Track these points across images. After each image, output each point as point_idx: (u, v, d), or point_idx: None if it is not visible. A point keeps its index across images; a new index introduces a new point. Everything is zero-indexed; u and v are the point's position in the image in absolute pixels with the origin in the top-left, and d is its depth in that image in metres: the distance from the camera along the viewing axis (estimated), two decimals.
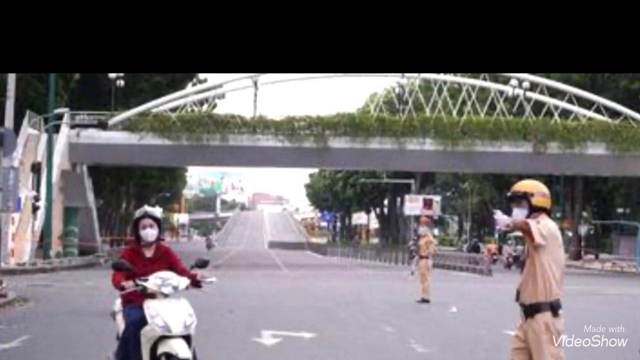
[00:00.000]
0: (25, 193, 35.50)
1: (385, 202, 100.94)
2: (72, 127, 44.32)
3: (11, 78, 27.06)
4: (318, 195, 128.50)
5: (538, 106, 48.72)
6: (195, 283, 7.76)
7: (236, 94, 51.77)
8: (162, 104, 47.69)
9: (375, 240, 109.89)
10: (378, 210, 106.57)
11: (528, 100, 48.72)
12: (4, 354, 11.48)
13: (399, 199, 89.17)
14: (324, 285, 28.41)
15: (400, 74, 49.00)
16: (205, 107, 49.33)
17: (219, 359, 10.98)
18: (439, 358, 11.88)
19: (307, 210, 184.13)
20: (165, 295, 7.40)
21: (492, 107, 48.20)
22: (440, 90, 49.50)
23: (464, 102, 49.37)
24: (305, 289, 25.87)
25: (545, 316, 6.35)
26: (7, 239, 30.51)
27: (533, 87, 48.87)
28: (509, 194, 6.66)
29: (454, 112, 48.51)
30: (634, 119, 47.52)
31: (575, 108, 48.50)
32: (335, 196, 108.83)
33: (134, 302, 7.54)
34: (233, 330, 14.28)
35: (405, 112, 48.41)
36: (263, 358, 11.54)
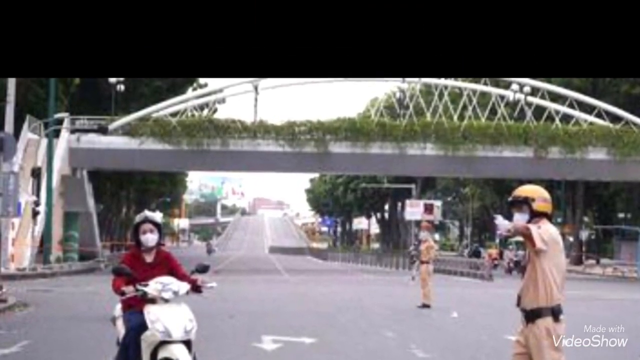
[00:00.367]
0: (25, 198, 35.45)
1: (386, 207, 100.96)
2: (73, 131, 44.27)
3: (11, 83, 27.09)
4: (319, 200, 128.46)
5: (539, 111, 48.72)
6: (196, 288, 7.75)
7: (237, 98, 51.89)
8: (162, 109, 47.68)
9: (376, 246, 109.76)
10: (379, 215, 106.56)
11: (529, 105, 48.73)
12: (5, 359, 11.46)
13: (399, 204, 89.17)
14: (325, 290, 28.38)
15: (401, 79, 49.08)
16: (205, 111, 49.38)
17: None
18: None
19: (307, 215, 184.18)
20: (166, 301, 7.38)
21: (493, 111, 48.23)
22: (441, 95, 49.57)
23: (464, 107, 49.35)
24: (305, 294, 25.84)
25: (547, 321, 6.33)
26: (7, 244, 30.51)
27: (534, 91, 48.88)
28: (510, 198, 6.65)
29: (455, 117, 48.48)
30: (635, 124, 47.50)
31: (576, 113, 48.53)
32: (336, 201, 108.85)
33: (135, 307, 7.52)
34: (233, 335, 14.25)
35: (406, 116, 48.43)
36: None
